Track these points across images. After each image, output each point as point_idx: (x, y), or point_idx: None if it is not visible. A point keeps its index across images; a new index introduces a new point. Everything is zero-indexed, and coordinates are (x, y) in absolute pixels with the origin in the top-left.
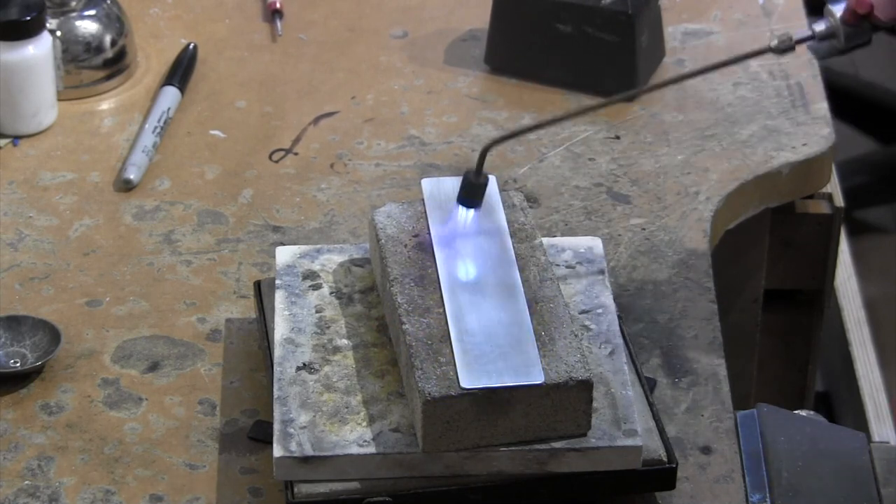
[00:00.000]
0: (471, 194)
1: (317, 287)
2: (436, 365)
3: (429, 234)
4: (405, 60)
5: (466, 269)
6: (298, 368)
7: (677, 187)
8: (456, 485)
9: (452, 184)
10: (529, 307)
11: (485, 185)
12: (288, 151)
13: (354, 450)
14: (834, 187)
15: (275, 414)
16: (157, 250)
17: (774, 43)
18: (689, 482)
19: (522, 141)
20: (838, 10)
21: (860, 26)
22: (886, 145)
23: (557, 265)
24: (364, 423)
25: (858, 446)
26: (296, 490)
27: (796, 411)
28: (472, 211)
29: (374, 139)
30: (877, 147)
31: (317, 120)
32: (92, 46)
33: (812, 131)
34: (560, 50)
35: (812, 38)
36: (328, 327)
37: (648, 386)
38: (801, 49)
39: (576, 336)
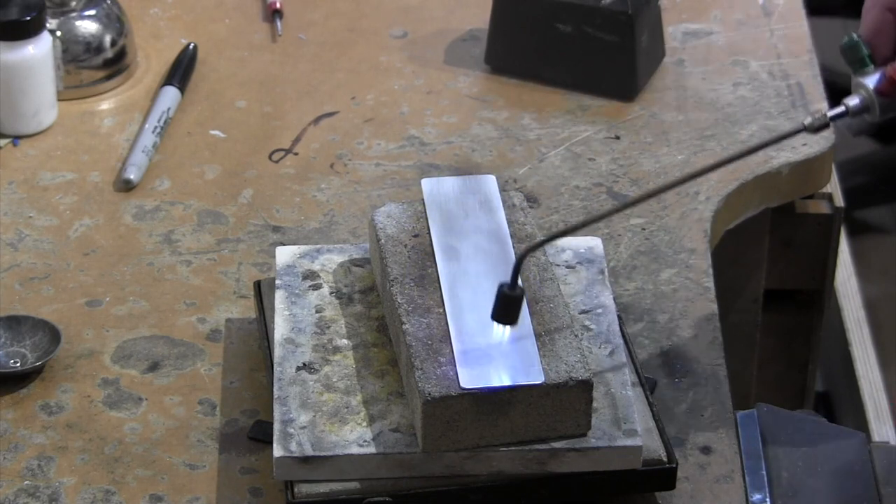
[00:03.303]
0: (507, 310)
1: (317, 287)
2: (436, 365)
3: (429, 234)
4: (405, 60)
5: (466, 269)
6: (298, 368)
7: (677, 187)
8: (456, 485)
9: (452, 184)
10: (529, 307)
11: (521, 297)
12: (288, 151)
13: (354, 450)
14: (834, 187)
15: (275, 414)
16: (157, 250)
17: (808, 121)
18: (689, 482)
19: (522, 141)
20: (870, 82)
21: (894, 96)
22: (886, 145)
23: (557, 265)
24: (364, 423)
25: (858, 446)
26: (296, 490)
27: (796, 411)
28: (507, 328)
29: (374, 139)
30: (877, 147)
31: (317, 120)
32: (92, 46)
33: None
34: (560, 50)
35: (846, 113)
36: (328, 327)
37: (648, 386)
38: (801, 49)
39: (576, 336)
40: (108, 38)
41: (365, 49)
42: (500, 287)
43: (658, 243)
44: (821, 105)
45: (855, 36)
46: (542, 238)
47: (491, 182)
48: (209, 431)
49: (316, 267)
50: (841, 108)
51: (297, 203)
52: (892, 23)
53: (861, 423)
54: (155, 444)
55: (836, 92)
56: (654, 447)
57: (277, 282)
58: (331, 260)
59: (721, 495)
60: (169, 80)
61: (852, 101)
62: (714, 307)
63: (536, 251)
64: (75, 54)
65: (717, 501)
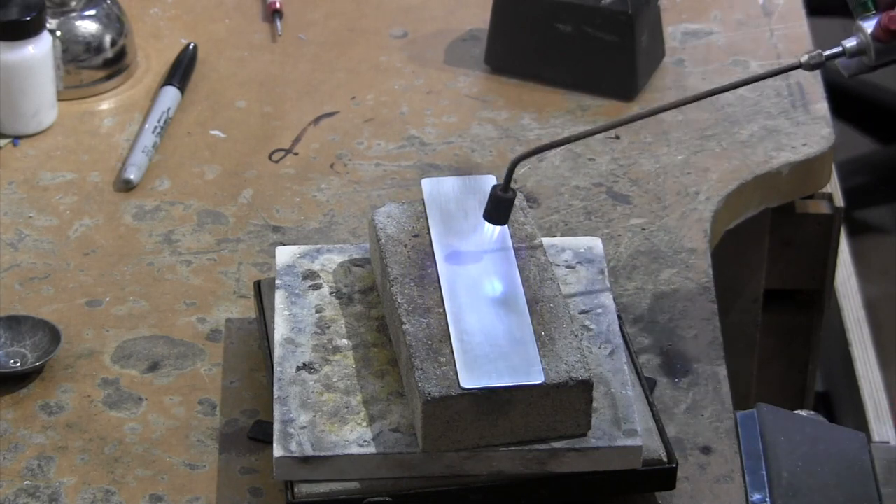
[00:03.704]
0: (498, 210)
1: (317, 287)
2: (436, 365)
3: (429, 234)
4: (405, 60)
5: (466, 269)
6: (298, 368)
7: (677, 187)
8: (456, 485)
9: (452, 184)
10: (529, 307)
11: (512, 199)
12: (288, 151)
13: (354, 450)
14: (834, 187)
15: (275, 414)
16: (157, 250)
17: (804, 59)
18: (689, 482)
19: (522, 141)
20: (868, 26)
21: (891, 43)
22: (886, 145)
23: (557, 265)
24: (364, 423)
25: (858, 446)
26: (296, 490)
27: (796, 411)
28: (498, 227)
29: (374, 139)
30: (877, 147)
31: (317, 120)
32: (92, 46)
33: (812, 131)
34: (560, 50)
35: (842, 54)
36: (328, 327)
37: (648, 386)
38: (801, 49)
39: (576, 336)
40: (108, 38)
41: (365, 49)
42: (493, 188)
43: (658, 243)
44: (820, 105)
45: None
46: (542, 145)
47: (491, 182)
48: (209, 431)
49: (316, 267)
50: (837, 49)
51: (297, 203)
52: None
53: (861, 423)
54: (155, 444)
55: (836, 92)
56: (654, 447)
57: (277, 282)
58: (331, 260)
59: (721, 495)
60: (169, 80)
61: (849, 42)
62: (714, 307)
63: (536, 249)
64: (75, 54)
65: (717, 501)
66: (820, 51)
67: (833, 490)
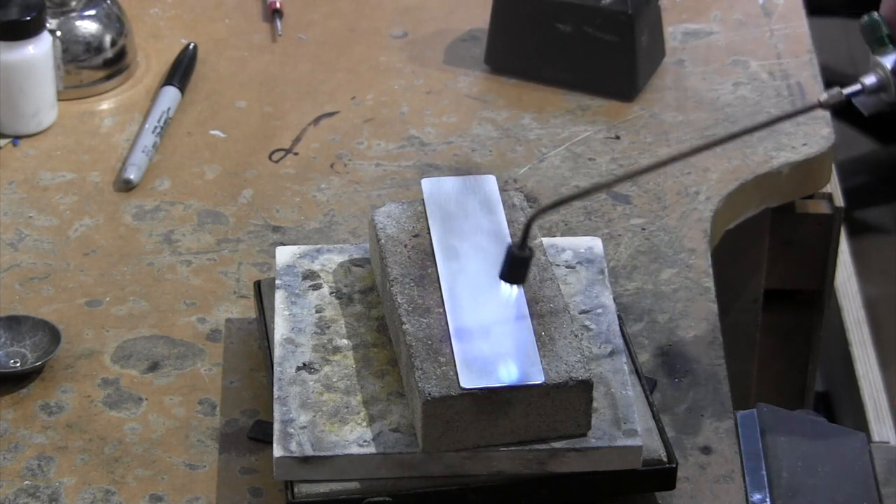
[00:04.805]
0: (514, 271)
1: (317, 287)
2: (436, 365)
3: (429, 233)
4: (405, 60)
5: (466, 269)
6: (298, 368)
7: (677, 187)
8: (456, 485)
9: (452, 184)
10: (529, 307)
11: (529, 259)
12: (288, 151)
13: (354, 450)
14: (834, 187)
15: (275, 414)
16: (157, 250)
17: (824, 98)
18: (689, 482)
19: (522, 141)
20: (888, 62)
21: None
22: (886, 145)
23: (557, 265)
24: (364, 423)
25: (858, 446)
26: (296, 490)
27: (796, 411)
28: (515, 287)
29: (374, 139)
30: (877, 147)
31: (317, 120)
32: (92, 46)
33: (812, 131)
34: (560, 50)
35: (862, 92)
36: (328, 327)
37: (648, 386)
38: (801, 48)
39: (576, 336)
40: (108, 38)
41: (365, 49)
42: (509, 247)
43: (658, 243)
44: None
45: (876, 15)
46: (554, 201)
47: (491, 182)
48: (209, 431)
49: (316, 267)
50: (857, 87)
51: (297, 203)
52: None
53: (861, 423)
54: (155, 444)
55: None
56: (654, 447)
57: (277, 282)
58: (331, 260)
59: (721, 495)
60: (169, 80)
61: (868, 79)
62: (714, 307)
63: (535, 249)
64: (75, 54)
65: (717, 501)
66: (839, 89)
67: (833, 490)
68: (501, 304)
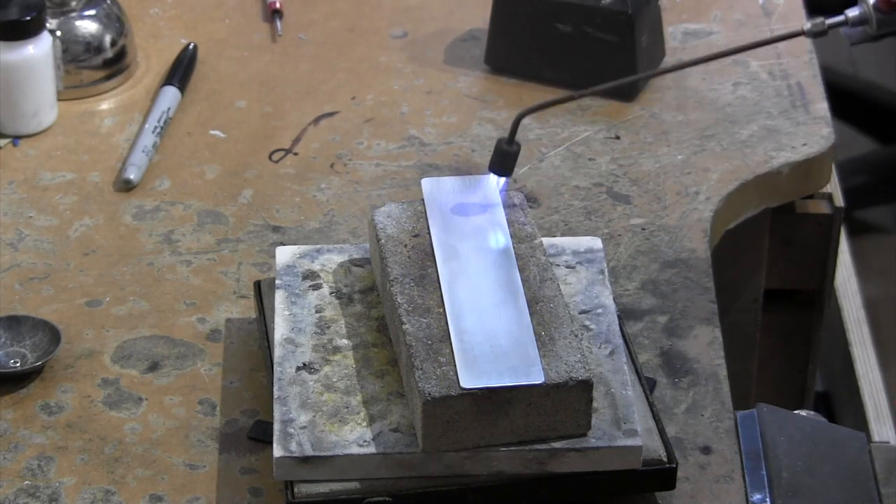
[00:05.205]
0: (503, 161)
1: (317, 287)
2: (436, 365)
3: (429, 234)
4: (405, 60)
5: (466, 269)
6: (298, 368)
7: (677, 187)
8: (456, 485)
9: (452, 184)
10: (529, 307)
11: (517, 152)
12: (288, 151)
13: (354, 450)
14: (834, 187)
15: (275, 414)
16: (157, 250)
17: (807, 27)
18: (689, 482)
19: (522, 141)
20: None
21: (891, 14)
22: (886, 145)
23: (557, 265)
24: (364, 423)
25: (858, 446)
26: (296, 490)
27: (796, 411)
28: (502, 179)
29: (374, 139)
30: (877, 147)
31: (317, 120)
32: (92, 46)
33: (812, 131)
34: (560, 50)
35: (845, 22)
36: (328, 327)
37: (648, 386)
38: (802, 49)
39: (576, 336)
40: (108, 38)
41: (365, 49)
42: (499, 140)
43: (658, 243)
44: (820, 105)
45: None
46: (546, 101)
47: (491, 182)
48: (209, 431)
49: (316, 267)
50: (840, 17)
51: (297, 203)
52: None
53: (861, 423)
54: (155, 444)
55: (836, 92)
56: (654, 447)
57: (277, 282)
58: (331, 260)
59: (721, 495)
60: (169, 80)
61: (852, 11)
62: (714, 307)
63: (536, 249)
64: (75, 54)
65: (717, 501)
66: (823, 18)
67: (833, 490)
68: (501, 303)
